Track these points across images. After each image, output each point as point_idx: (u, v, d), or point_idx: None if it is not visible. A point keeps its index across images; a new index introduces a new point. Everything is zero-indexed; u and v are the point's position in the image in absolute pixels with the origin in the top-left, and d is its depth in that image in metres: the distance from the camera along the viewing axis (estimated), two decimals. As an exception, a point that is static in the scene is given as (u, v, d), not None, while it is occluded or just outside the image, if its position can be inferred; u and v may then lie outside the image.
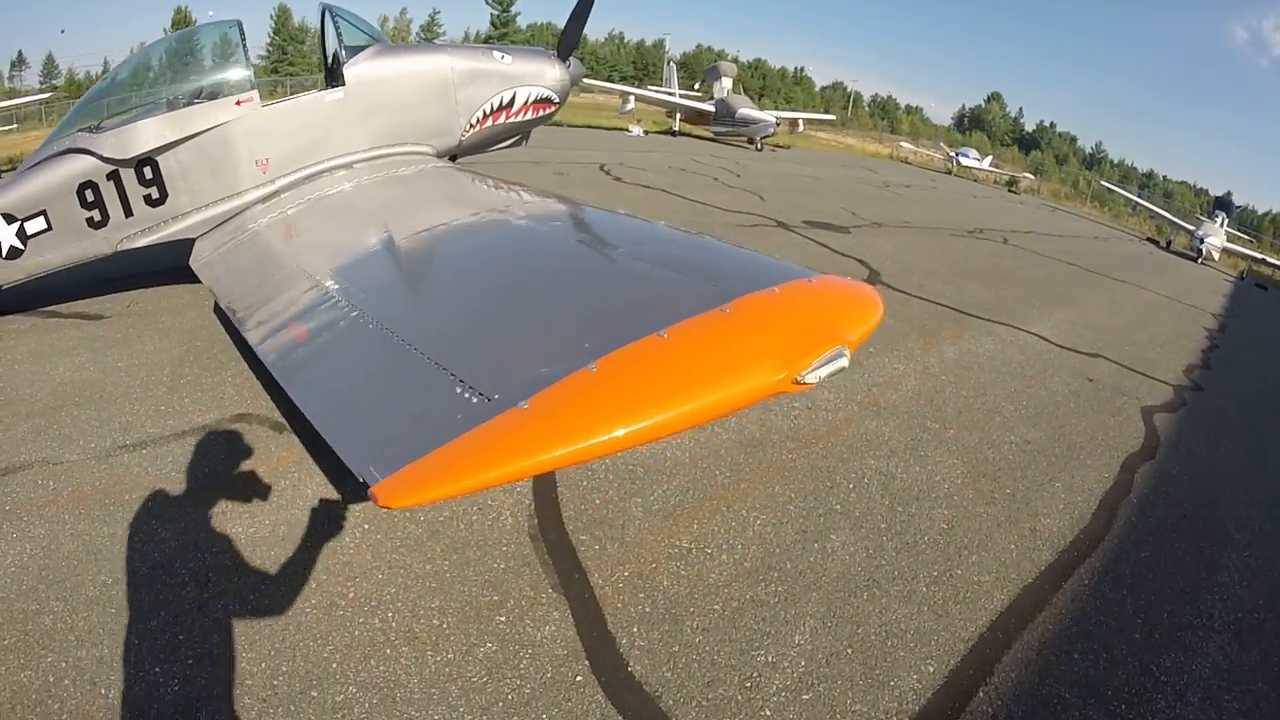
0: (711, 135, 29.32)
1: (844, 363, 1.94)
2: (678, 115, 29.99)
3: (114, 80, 5.22)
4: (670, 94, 32.82)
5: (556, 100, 6.58)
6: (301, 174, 5.30)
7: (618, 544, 3.36)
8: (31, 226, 4.76)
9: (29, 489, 3.46)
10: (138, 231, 5.09)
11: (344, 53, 5.33)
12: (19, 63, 58.25)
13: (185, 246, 5.09)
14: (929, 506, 4.02)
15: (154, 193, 5.03)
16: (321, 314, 2.69)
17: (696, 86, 36.20)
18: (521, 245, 3.07)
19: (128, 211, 5.00)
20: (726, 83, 30.35)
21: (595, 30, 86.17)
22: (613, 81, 41.71)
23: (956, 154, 39.18)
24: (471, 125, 6.03)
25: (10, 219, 4.70)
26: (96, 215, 4.93)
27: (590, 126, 29.02)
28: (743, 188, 15.80)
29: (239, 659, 2.60)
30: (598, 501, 3.67)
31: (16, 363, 4.71)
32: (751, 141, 27.88)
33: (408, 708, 2.46)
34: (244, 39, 5.13)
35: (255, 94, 5.04)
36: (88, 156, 4.74)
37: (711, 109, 29.30)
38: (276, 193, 5.22)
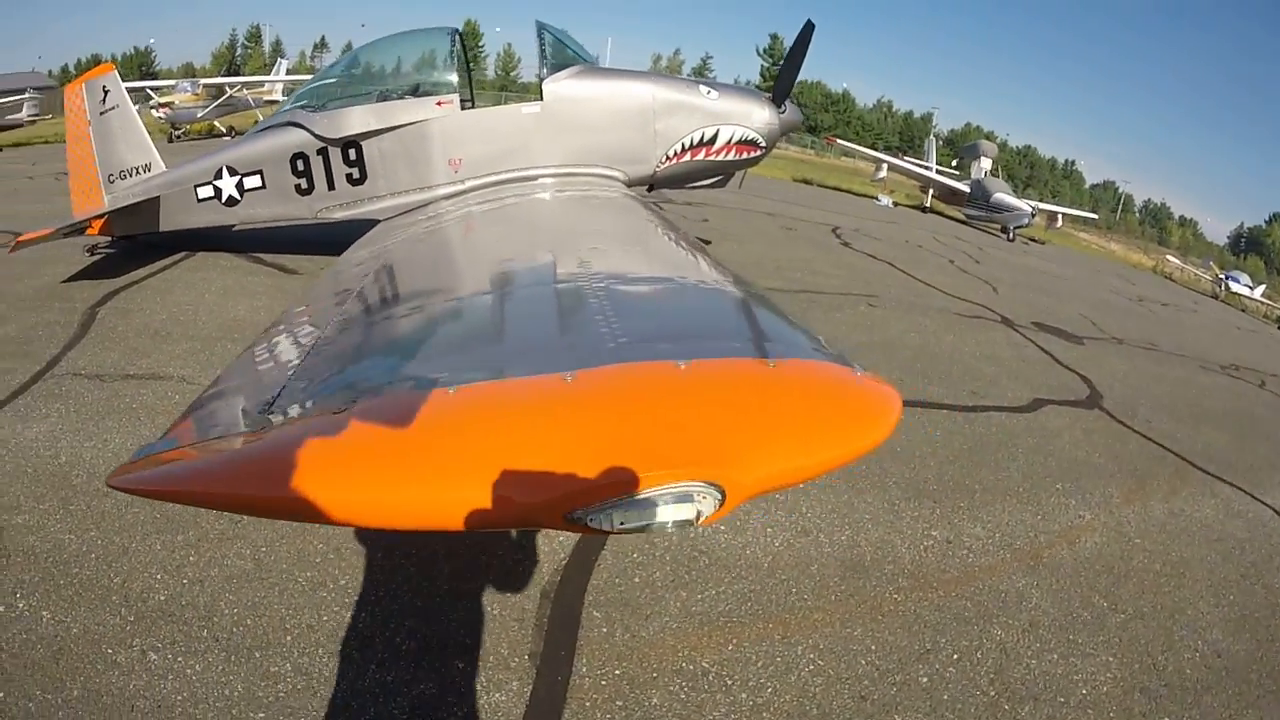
0: (963, 217, 27.30)
1: (687, 514, 1.20)
2: (930, 191, 28.34)
3: (339, 67, 5.87)
4: (926, 168, 31.16)
5: (763, 144, 6.24)
6: (490, 178, 5.51)
7: (629, 635, 2.90)
8: (249, 182, 5.48)
9: (157, 396, 3.98)
10: (336, 205, 5.63)
11: (546, 68, 5.50)
12: (320, 46, 69.65)
13: (372, 227, 5.48)
14: (1047, 715, 3.07)
15: (355, 173, 5.55)
16: (348, 300, 2.63)
17: (955, 164, 34.06)
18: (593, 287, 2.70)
19: (330, 185, 5.56)
20: (985, 163, 28.09)
21: (865, 96, 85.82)
22: (876, 149, 40.54)
23: (1226, 277, 32.93)
24: (669, 157, 5.89)
25: (233, 172, 5.46)
26: (304, 184, 5.53)
27: (839, 189, 28.41)
28: (978, 275, 14.30)
29: (219, 603, 2.68)
30: (636, 580, 3.24)
31: (208, 294, 5.41)
32: (1004, 230, 25.47)
33: (319, 708, 2.32)
34: (456, 47, 5.53)
35: (456, 97, 5.39)
36: (304, 131, 5.36)
37: (966, 189, 27.30)
38: (464, 192, 5.47)
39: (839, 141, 38.63)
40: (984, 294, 12.22)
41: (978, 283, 13.30)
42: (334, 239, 6.58)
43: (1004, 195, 25.92)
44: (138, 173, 5.98)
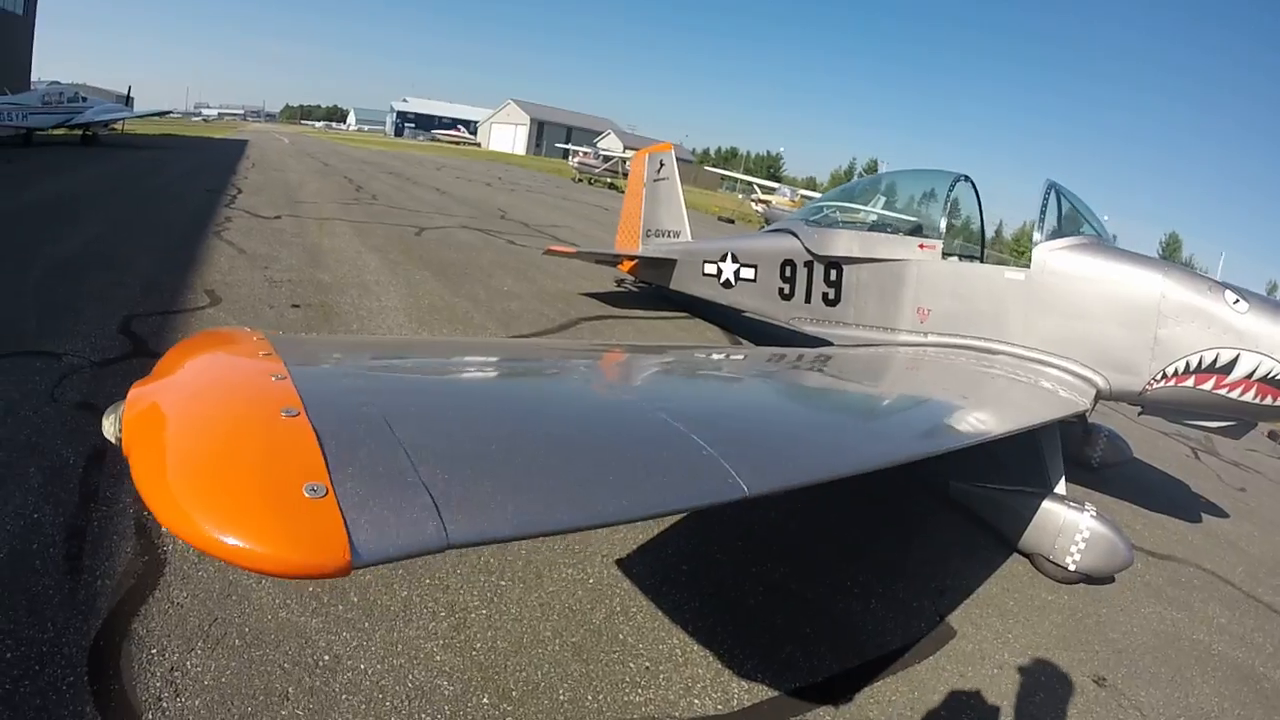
0: None
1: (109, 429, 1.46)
2: None
3: (844, 190, 6.55)
4: None
5: None
6: (952, 339, 5.12)
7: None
8: (745, 272, 6.62)
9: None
10: (807, 318, 6.19)
11: (1043, 232, 4.86)
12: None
13: (830, 350, 5.66)
14: None
15: (831, 293, 5.96)
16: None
17: None
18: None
19: (807, 298, 6.16)
20: None
21: None
22: None
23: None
24: (1164, 376, 4.51)
25: (735, 259, 6.68)
26: (786, 289, 6.33)
27: None
28: None
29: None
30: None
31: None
32: None
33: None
34: (954, 193, 5.45)
35: (939, 245, 5.24)
36: (798, 242, 6.14)
37: None
38: (922, 345, 5.20)
39: None
40: None
41: None
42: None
43: None
44: (668, 235, 7.84)
